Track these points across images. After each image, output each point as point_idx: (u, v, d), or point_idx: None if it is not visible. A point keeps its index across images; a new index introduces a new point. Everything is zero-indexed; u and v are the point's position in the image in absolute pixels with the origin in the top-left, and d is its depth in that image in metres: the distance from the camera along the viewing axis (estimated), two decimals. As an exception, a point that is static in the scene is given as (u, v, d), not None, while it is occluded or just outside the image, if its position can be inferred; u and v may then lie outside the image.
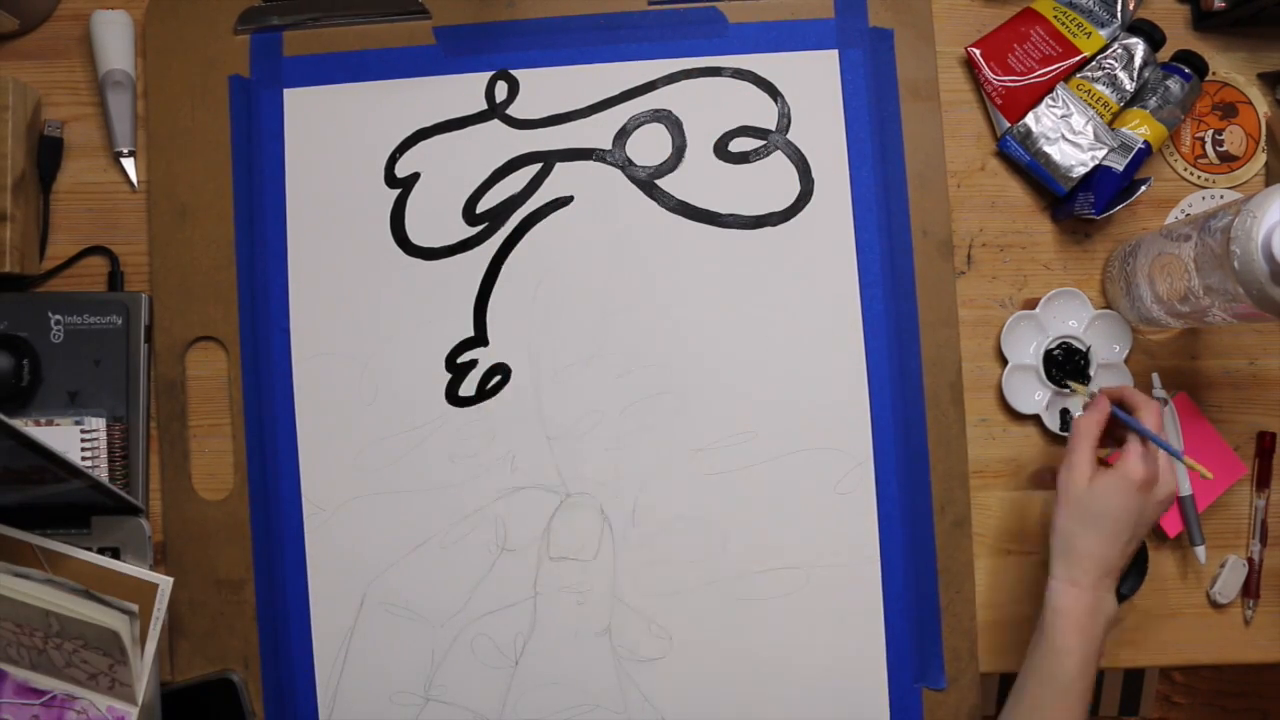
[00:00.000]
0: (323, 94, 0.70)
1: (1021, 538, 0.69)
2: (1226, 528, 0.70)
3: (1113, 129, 0.67)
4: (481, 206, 0.69)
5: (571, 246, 0.69)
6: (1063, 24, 0.68)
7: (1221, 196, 0.70)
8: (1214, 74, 0.71)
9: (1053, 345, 0.68)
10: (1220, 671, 1.46)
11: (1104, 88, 0.68)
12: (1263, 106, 0.71)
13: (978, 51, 0.69)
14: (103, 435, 0.66)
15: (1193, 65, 0.67)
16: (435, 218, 0.69)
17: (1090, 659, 0.57)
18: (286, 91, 0.70)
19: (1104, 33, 0.68)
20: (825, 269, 0.68)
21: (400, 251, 0.69)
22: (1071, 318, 0.69)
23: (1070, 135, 0.67)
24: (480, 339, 0.69)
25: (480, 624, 0.67)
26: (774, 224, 0.68)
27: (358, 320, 0.69)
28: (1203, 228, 0.57)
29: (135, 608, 0.61)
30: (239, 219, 0.69)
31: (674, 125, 0.69)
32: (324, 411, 0.68)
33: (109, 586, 0.62)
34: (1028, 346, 0.69)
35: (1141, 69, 0.67)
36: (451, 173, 0.69)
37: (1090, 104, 0.68)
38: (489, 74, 0.69)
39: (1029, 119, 0.68)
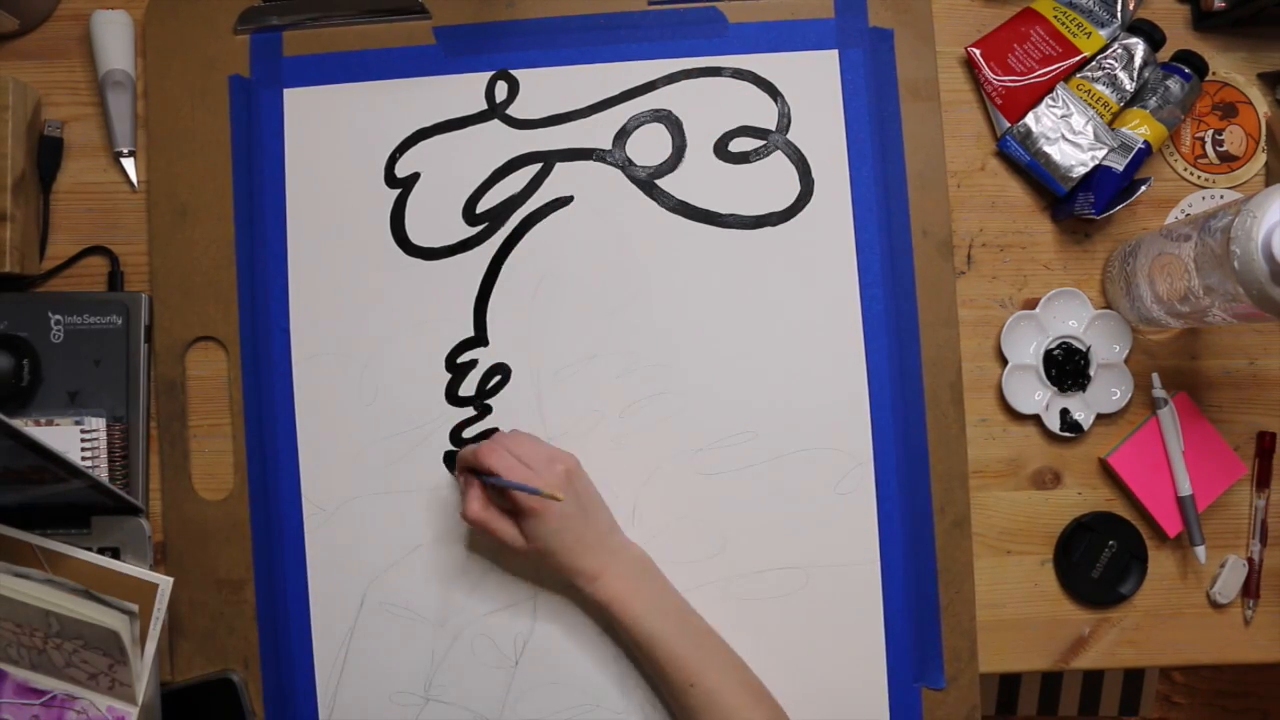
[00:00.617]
0: (323, 94, 0.70)
1: (1022, 538, 0.69)
2: (1226, 528, 0.70)
3: (1113, 129, 0.67)
4: (481, 206, 0.69)
5: (571, 246, 0.69)
6: (1063, 24, 0.68)
7: (1221, 196, 0.70)
8: (1214, 74, 0.71)
9: (1053, 345, 0.68)
10: (1220, 671, 1.46)
11: (1104, 88, 0.68)
12: (1263, 106, 0.71)
13: (978, 51, 0.69)
14: (103, 435, 0.66)
15: (1193, 65, 0.67)
16: (435, 218, 0.69)
17: (658, 601, 0.63)
18: (286, 91, 0.70)
19: (1104, 33, 0.68)
20: (825, 269, 0.68)
21: (400, 251, 0.69)
22: (1071, 318, 0.69)
23: (1070, 135, 0.67)
24: (480, 339, 0.69)
25: (480, 624, 0.67)
26: (774, 224, 0.68)
27: (358, 320, 0.69)
28: (1203, 228, 0.57)
29: (135, 608, 0.61)
30: (239, 219, 0.69)
31: (674, 125, 0.69)
32: (324, 411, 0.68)
33: (109, 586, 0.62)
34: (1028, 346, 0.69)
35: (1141, 69, 0.67)
36: (451, 173, 0.69)
37: (1090, 104, 0.68)
38: (489, 74, 0.69)
39: (1029, 119, 0.68)
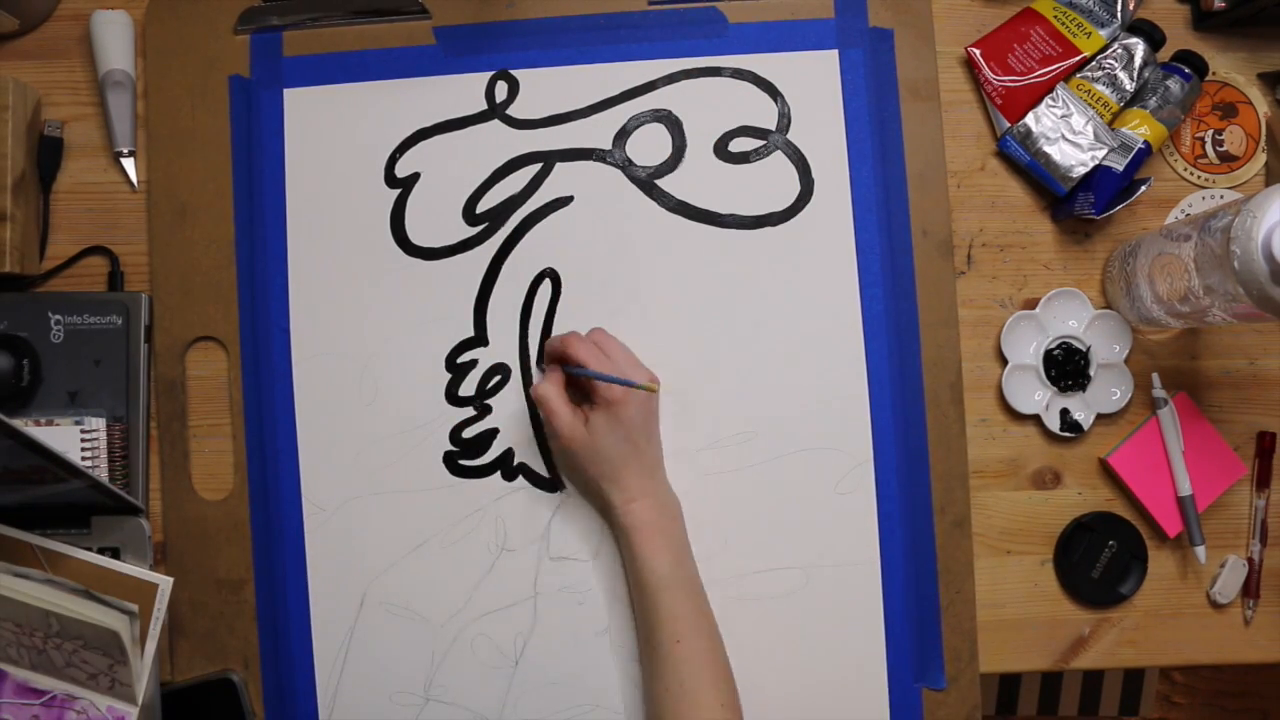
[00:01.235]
0: (323, 94, 0.70)
1: (1021, 538, 0.69)
2: (1226, 528, 0.70)
3: (1113, 129, 0.67)
4: (481, 206, 0.69)
5: (571, 247, 0.69)
6: (1063, 24, 0.68)
7: (1221, 196, 0.70)
8: (1214, 74, 0.71)
9: (1053, 345, 0.68)
10: (1220, 671, 1.46)
11: (1104, 88, 0.68)
12: (1263, 106, 0.71)
13: (978, 51, 0.69)
14: (103, 435, 0.66)
15: (1193, 65, 0.67)
16: (435, 218, 0.69)
17: (678, 550, 0.63)
18: (286, 91, 0.70)
19: (1104, 33, 0.68)
20: (825, 269, 0.68)
21: (400, 251, 0.69)
22: (1071, 318, 0.69)
23: (1070, 135, 0.67)
24: (480, 339, 0.69)
25: (480, 624, 0.67)
26: (774, 224, 0.68)
27: (358, 320, 0.69)
28: (1203, 228, 0.57)
29: (135, 608, 0.61)
30: (239, 219, 0.69)
31: (674, 125, 0.69)
32: (324, 411, 0.68)
33: (109, 586, 0.62)
34: (1028, 346, 0.69)
35: (1141, 69, 0.67)
36: (451, 173, 0.69)
37: (1090, 104, 0.68)
38: (489, 74, 0.69)
39: (1029, 119, 0.68)
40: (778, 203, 0.69)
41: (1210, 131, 0.71)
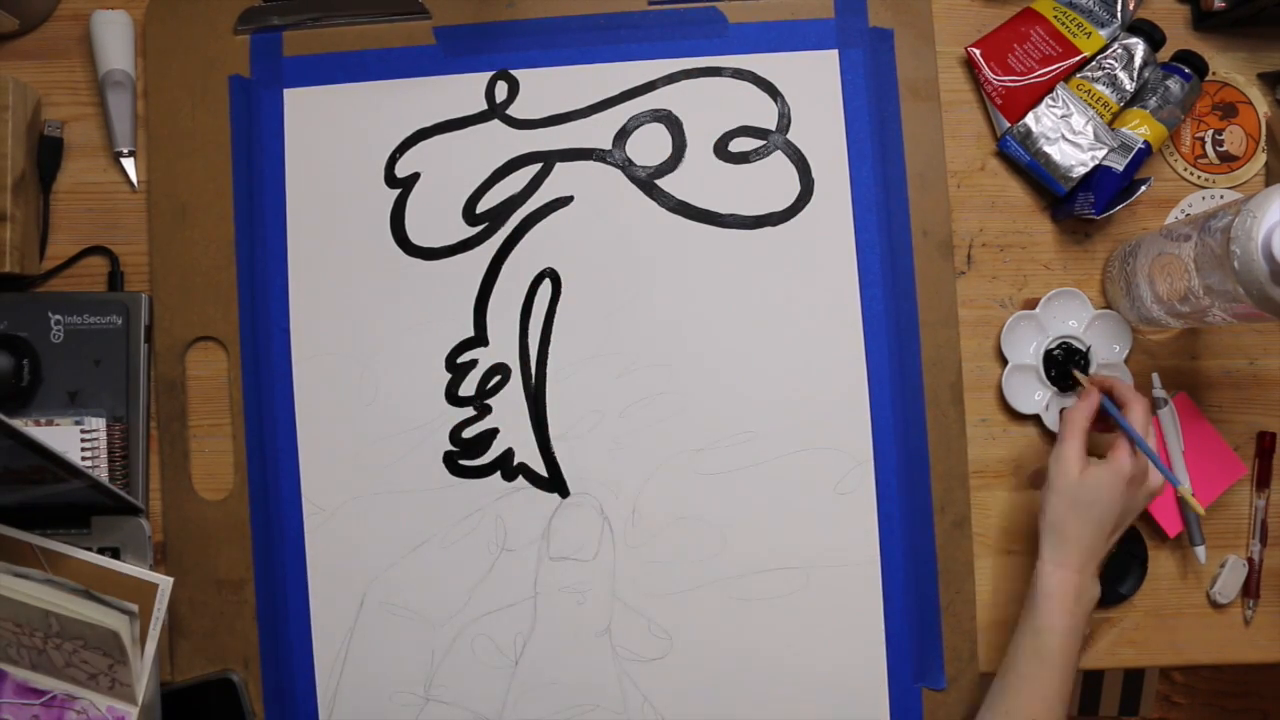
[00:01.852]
0: (323, 94, 0.70)
1: (1021, 538, 0.69)
2: (1226, 528, 0.70)
3: (1113, 129, 0.67)
4: (481, 206, 0.69)
5: (572, 247, 0.69)
6: (1063, 24, 0.68)
7: (1221, 196, 0.70)
8: (1214, 74, 0.71)
9: (1053, 345, 0.68)
10: (1220, 671, 1.46)
11: (1104, 88, 0.68)
12: (1263, 106, 0.71)
13: (978, 51, 0.69)
14: (103, 435, 0.66)
15: (1193, 65, 0.67)
16: (435, 218, 0.69)
17: (1075, 637, 0.59)
18: (286, 91, 0.70)
19: (1104, 33, 0.68)
20: (825, 269, 0.68)
21: (400, 251, 0.69)
22: (1071, 318, 0.69)
23: (1070, 135, 0.67)
24: (480, 339, 0.69)
25: (480, 624, 0.67)
26: (774, 224, 0.68)
27: (358, 320, 0.69)
28: (1203, 228, 0.57)
29: (135, 608, 0.61)
30: (239, 219, 0.69)
31: (674, 125, 0.69)
32: (324, 411, 0.68)
33: (109, 586, 0.62)
34: (1028, 346, 0.69)
35: (1141, 69, 0.67)
36: (451, 173, 0.69)
37: (1090, 104, 0.68)
38: (489, 74, 0.69)
39: (1029, 119, 0.68)
40: (778, 203, 0.69)
41: (1210, 131, 0.71)
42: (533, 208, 0.69)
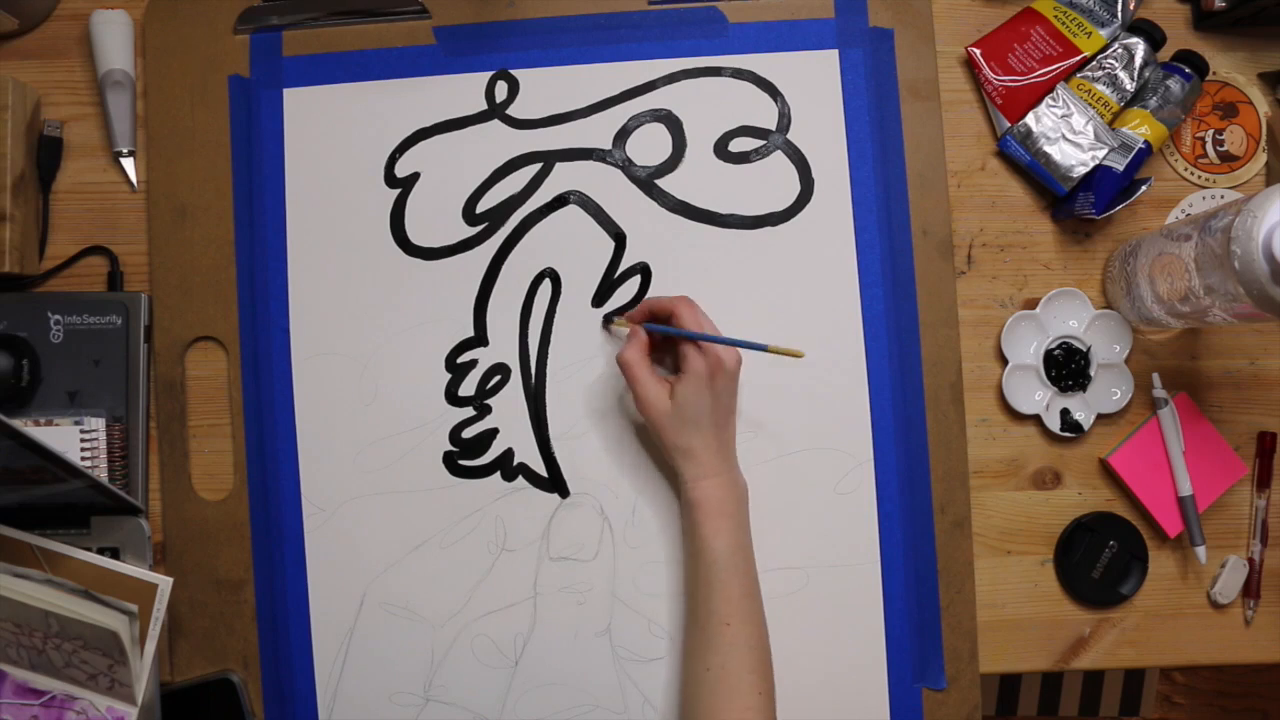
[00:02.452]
0: (323, 94, 0.69)
1: (1022, 538, 0.69)
2: (1227, 528, 0.70)
3: (1113, 129, 0.67)
4: (481, 206, 0.69)
5: (572, 246, 0.69)
6: (1063, 24, 0.68)
7: (1222, 196, 0.70)
8: (1214, 74, 0.71)
9: (1053, 345, 0.68)
10: (1220, 672, 1.46)
11: (1104, 88, 0.68)
12: (1263, 106, 0.71)
13: (978, 51, 0.69)
14: (102, 435, 0.66)
15: (1193, 65, 0.67)
16: (435, 218, 0.69)
17: (740, 533, 0.62)
18: (286, 91, 0.70)
19: (1104, 32, 0.68)
20: (825, 269, 0.68)
21: (400, 251, 0.69)
22: (1072, 318, 0.69)
23: (1070, 135, 0.67)
24: (480, 339, 0.69)
25: (480, 624, 0.67)
26: (774, 224, 0.68)
27: (358, 320, 0.69)
28: (1203, 228, 0.57)
29: (135, 608, 0.61)
30: (239, 219, 0.69)
31: (674, 125, 0.69)
32: (324, 411, 0.68)
33: (109, 587, 0.62)
34: (1028, 346, 0.69)
35: (1142, 69, 0.67)
36: (451, 173, 0.69)
37: (1090, 104, 0.68)
38: (489, 74, 0.69)
39: (1029, 119, 0.68)
40: (778, 203, 0.69)
41: (1211, 131, 0.71)
42: (533, 208, 0.69)
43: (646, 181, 0.69)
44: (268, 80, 0.69)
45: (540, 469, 0.68)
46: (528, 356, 0.68)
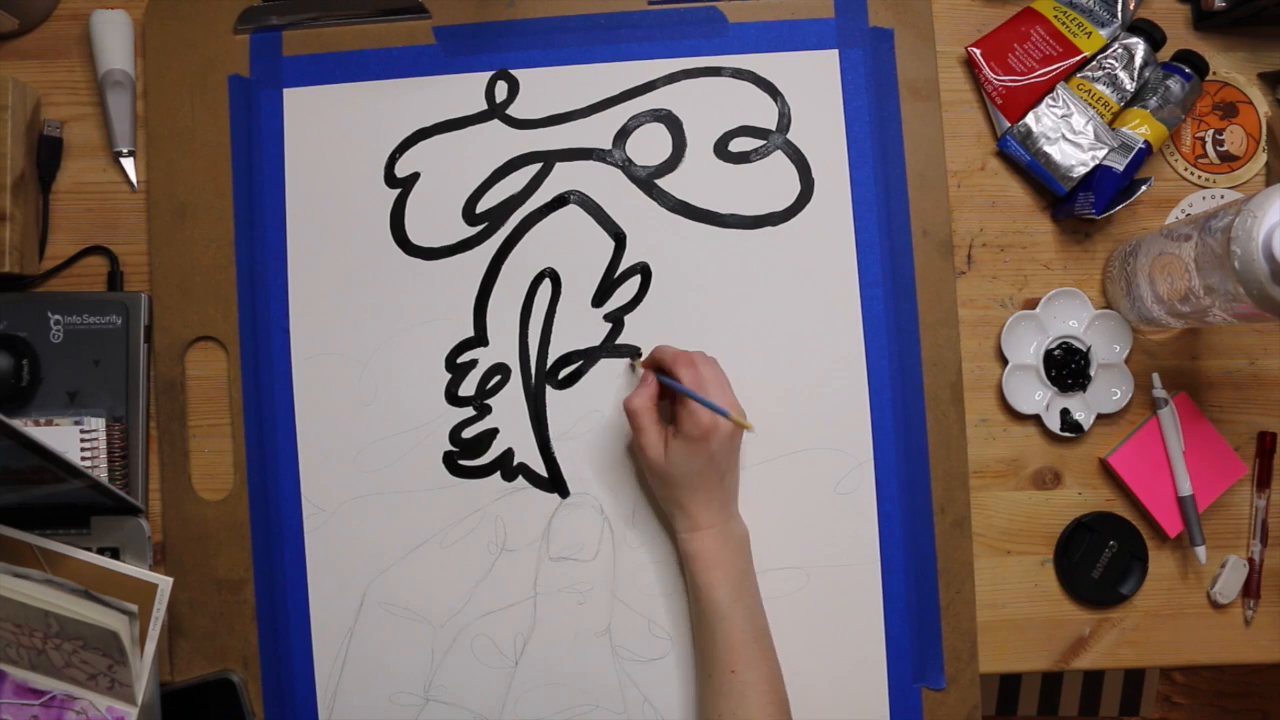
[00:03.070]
0: (323, 94, 0.69)
1: (1022, 538, 0.69)
2: (1227, 528, 0.70)
3: (1113, 129, 0.67)
4: (481, 206, 0.69)
5: (571, 246, 0.69)
6: (1063, 24, 0.68)
7: (1222, 196, 0.70)
8: (1214, 74, 0.71)
9: (1053, 345, 0.68)
10: (1221, 672, 1.46)
11: (1104, 87, 0.68)
12: (1263, 106, 0.71)
13: (978, 51, 0.69)
14: (102, 435, 0.66)
15: (1193, 65, 0.67)
16: (435, 218, 0.69)
17: (738, 581, 0.62)
18: (286, 91, 0.70)
19: (1104, 32, 0.68)
20: (825, 269, 0.68)
21: (400, 251, 0.69)
22: (1072, 318, 0.69)
23: (1070, 135, 0.67)
24: (480, 339, 0.69)
25: (480, 624, 0.67)
26: (774, 224, 0.68)
27: (358, 320, 0.69)
28: (1203, 228, 0.57)
29: (135, 608, 0.61)
30: (239, 219, 0.69)
31: (674, 125, 0.69)
32: (324, 411, 0.68)
33: (108, 587, 0.62)
34: (1028, 346, 0.69)
35: (1142, 69, 0.67)
36: (451, 173, 0.69)
37: (1090, 104, 0.68)
38: (489, 74, 0.69)
39: (1029, 119, 0.68)
40: (778, 203, 0.69)
41: (1211, 131, 0.71)
42: (533, 207, 0.69)
43: (646, 181, 0.69)
44: (268, 80, 0.70)
45: (540, 469, 0.68)
46: (528, 356, 0.68)
